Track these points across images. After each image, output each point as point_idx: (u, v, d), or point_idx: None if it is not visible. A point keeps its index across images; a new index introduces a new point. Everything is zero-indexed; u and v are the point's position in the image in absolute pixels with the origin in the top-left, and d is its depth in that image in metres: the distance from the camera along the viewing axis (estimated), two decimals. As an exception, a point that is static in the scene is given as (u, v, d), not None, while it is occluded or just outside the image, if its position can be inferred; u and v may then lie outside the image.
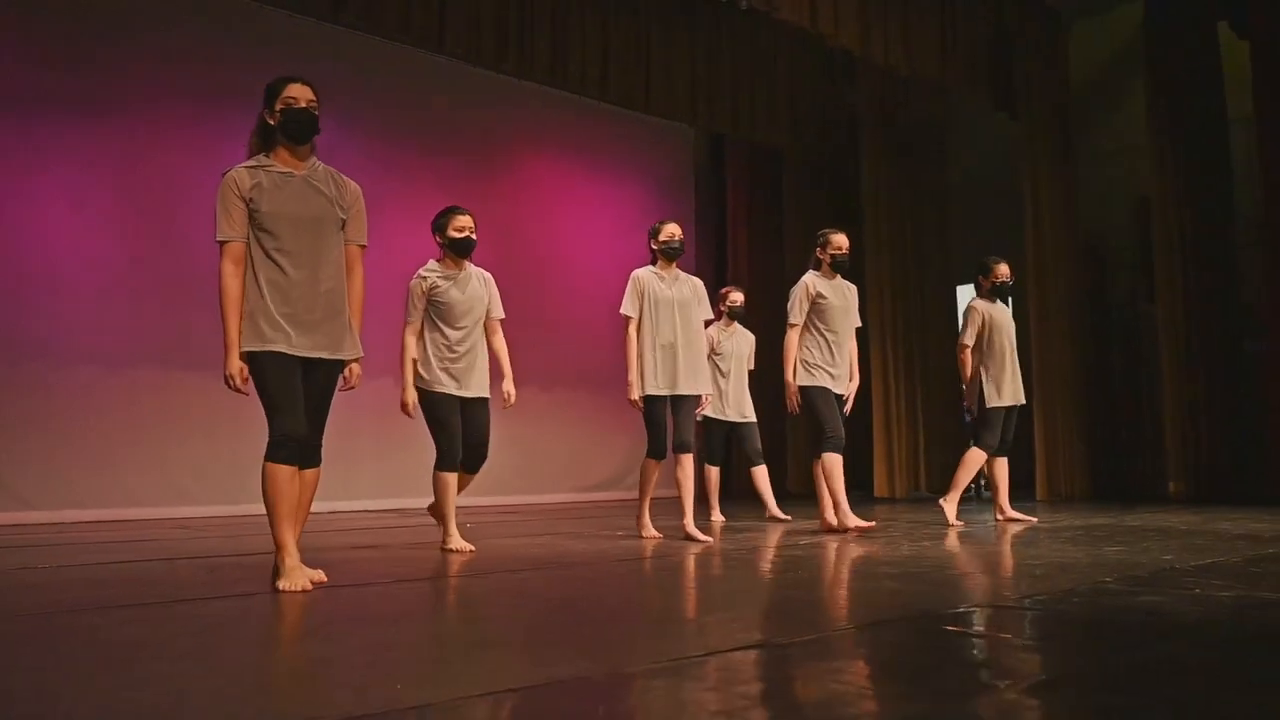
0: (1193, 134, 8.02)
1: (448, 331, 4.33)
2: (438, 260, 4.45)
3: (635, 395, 4.82)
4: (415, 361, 4.37)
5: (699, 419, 6.10)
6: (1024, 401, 5.91)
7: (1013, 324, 5.92)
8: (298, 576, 2.94)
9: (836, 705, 1.58)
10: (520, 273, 8.75)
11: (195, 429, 7.01)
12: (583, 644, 2.16)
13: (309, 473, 3.11)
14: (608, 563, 3.87)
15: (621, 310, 4.88)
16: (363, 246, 3.24)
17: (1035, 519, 5.79)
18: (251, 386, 3.04)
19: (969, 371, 5.81)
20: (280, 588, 2.90)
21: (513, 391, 4.56)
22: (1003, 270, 5.87)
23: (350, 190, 3.20)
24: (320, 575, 3.07)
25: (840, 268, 5.17)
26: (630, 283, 4.92)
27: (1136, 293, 8.96)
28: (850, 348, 5.20)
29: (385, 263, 7.96)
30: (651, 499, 5.04)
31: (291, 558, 2.97)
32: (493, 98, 8.64)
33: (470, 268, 4.46)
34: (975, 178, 10.09)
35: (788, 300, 5.25)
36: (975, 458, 5.72)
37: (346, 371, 3.19)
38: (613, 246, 9.46)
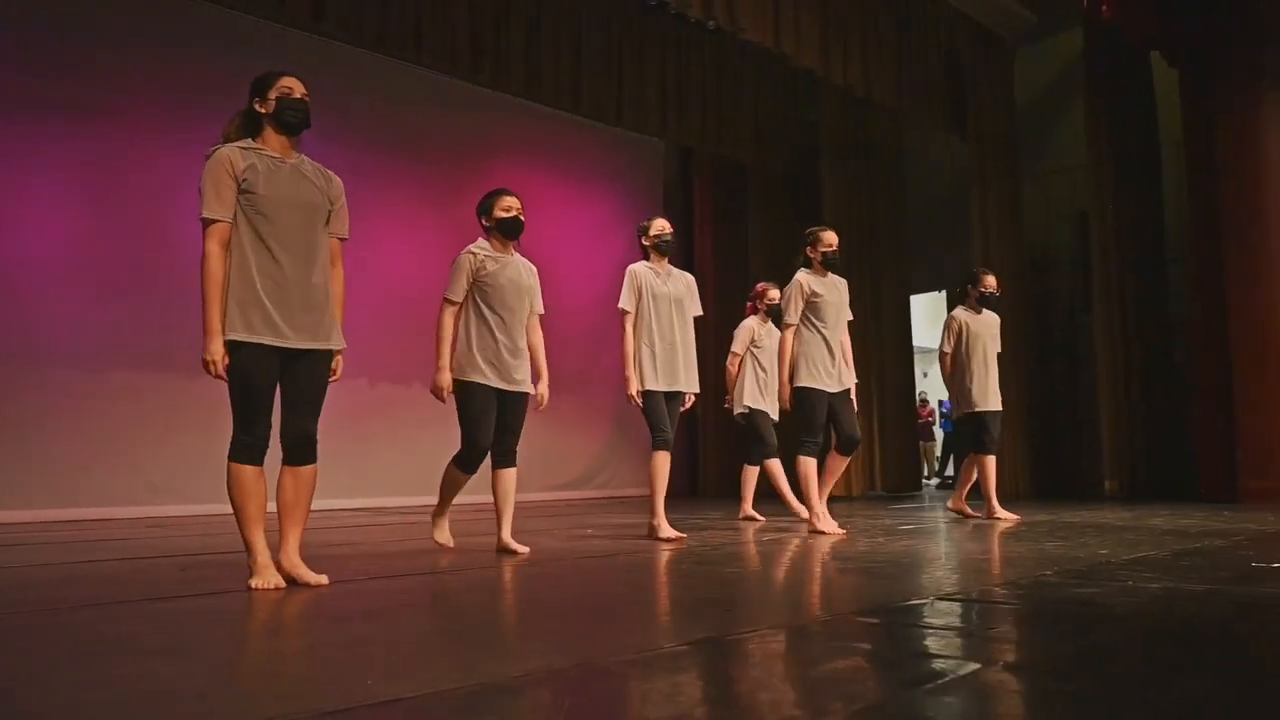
0: (1127, 155, 8.18)
1: (491, 317, 3.92)
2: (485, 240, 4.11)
3: (633, 390, 4.58)
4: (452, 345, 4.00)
5: (741, 415, 6.08)
6: (999, 408, 5.91)
7: (996, 331, 5.99)
8: (270, 575, 2.84)
9: (792, 697, 1.59)
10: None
11: (168, 427, 6.83)
12: (553, 638, 2.16)
13: (306, 469, 2.99)
14: (578, 559, 3.86)
15: (620, 305, 4.64)
16: (344, 240, 3.13)
17: (1019, 516, 5.71)
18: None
19: (949, 378, 5.90)
20: (252, 585, 2.80)
21: (546, 393, 4.23)
22: (990, 281, 5.95)
23: (336, 183, 3.10)
24: (323, 579, 2.92)
25: (831, 264, 5.03)
26: (627, 277, 4.68)
27: (1076, 303, 9.09)
28: (845, 342, 5.05)
29: (361, 269, 7.93)
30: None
31: (262, 556, 2.86)
32: (468, 108, 8.60)
33: (516, 255, 4.11)
34: (928, 193, 10.20)
35: (780, 302, 5.20)
36: (986, 464, 5.82)
37: (333, 364, 3.05)
38: (583, 254, 9.46)
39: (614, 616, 2.50)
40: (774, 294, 6.12)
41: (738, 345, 6.11)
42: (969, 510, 5.85)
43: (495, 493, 4.14)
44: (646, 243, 4.79)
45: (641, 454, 10.05)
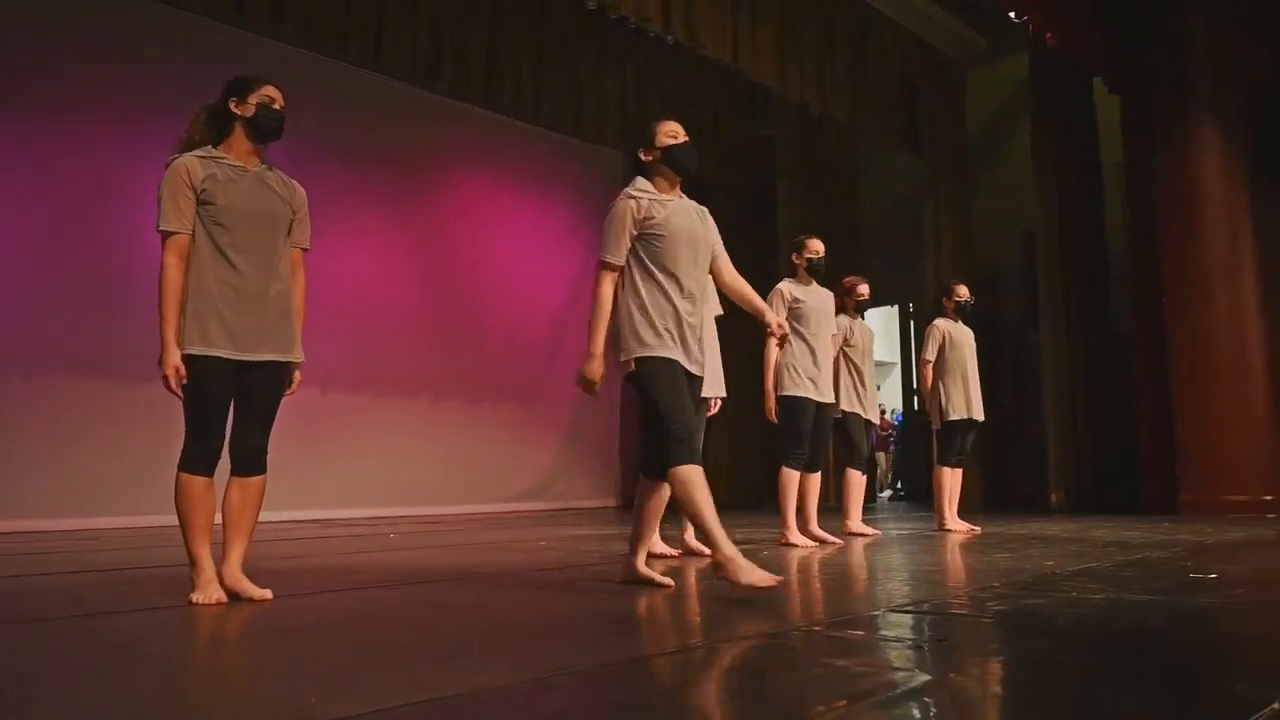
0: (1071, 176, 8.39)
1: (665, 281, 3.06)
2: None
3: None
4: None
5: (836, 418, 5.42)
6: (980, 418, 5.86)
7: (973, 343, 6.02)
8: (213, 589, 2.75)
9: (741, 711, 1.58)
10: (449, 287, 8.65)
11: (102, 436, 6.55)
12: (503, 653, 2.12)
13: (255, 480, 2.91)
14: (530, 573, 3.81)
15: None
16: (305, 250, 3.07)
17: (979, 529, 5.67)
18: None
19: (929, 386, 5.91)
20: (194, 600, 2.71)
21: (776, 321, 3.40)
22: (962, 291, 5.98)
23: (299, 193, 3.04)
24: (266, 593, 2.84)
25: (816, 271, 4.97)
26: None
27: (1024, 318, 9.26)
28: (829, 352, 4.97)
29: (313, 277, 7.79)
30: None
31: (208, 570, 2.77)
32: (427, 116, 8.52)
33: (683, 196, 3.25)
34: (882, 209, 10.33)
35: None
36: (943, 476, 5.80)
37: (291, 376, 2.97)
38: (540, 265, 9.42)
39: (566, 631, 2.47)
40: (864, 288, 5.59)
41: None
42: (964, 524, 5.68)
43: (655, 505, 3.28)
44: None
45: (596, 466, 10.08)
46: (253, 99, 2.91)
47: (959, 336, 5.89)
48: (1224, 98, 7.45)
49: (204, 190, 2.79)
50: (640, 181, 3.16)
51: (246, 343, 2.80)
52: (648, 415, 3.04)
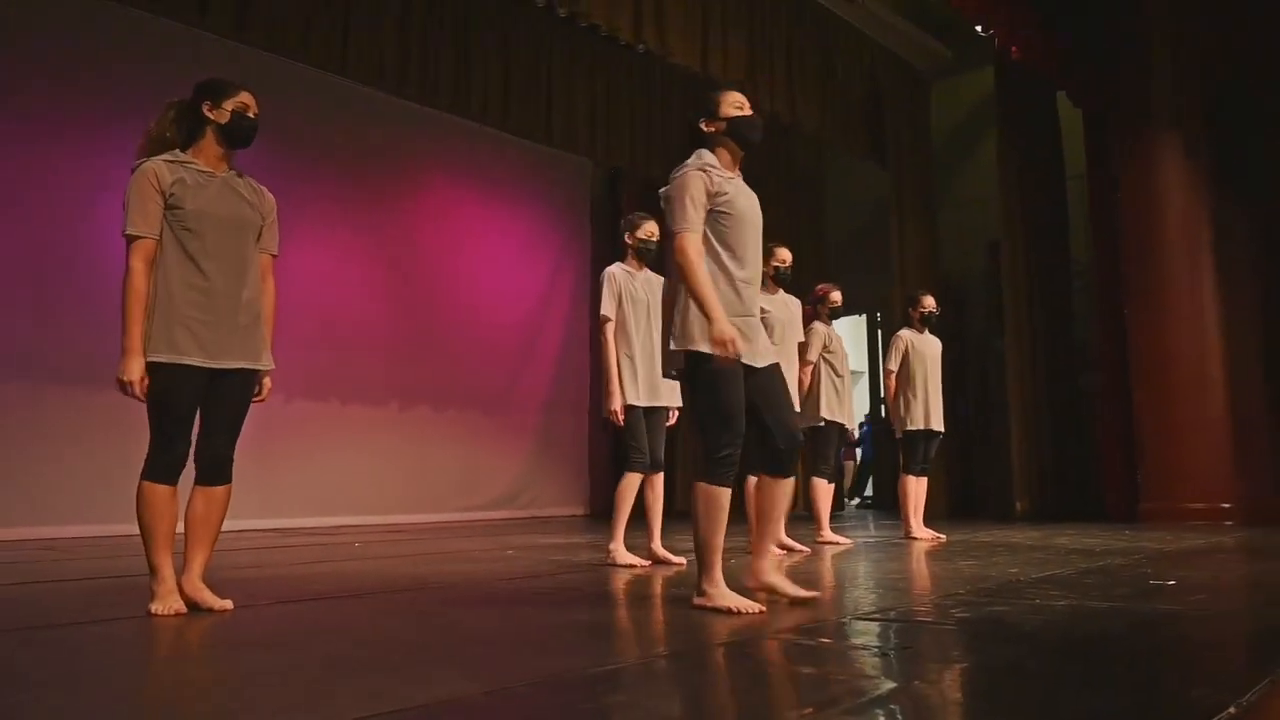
0: (1035, 188, 8.50)
1: (733, 264, 2.92)
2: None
3: (616, 405, 4.15)
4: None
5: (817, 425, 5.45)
6: (938, 428, 5.88)
7: (939, 353, 6.06)
8: (172, 600, 2.69)
9: (707, 717, 1.57)
10: (416, 293, 8.58)
11: (62, 444, 6.39)
12: (465, 664, 2.10)
13: (219, 490, 2.87)
14: (495, 582, 3.79)
15: (601, 312, 4.24)
16: (274, 256, 3.04)
17: (944, 536, 5.71)
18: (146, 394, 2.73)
19: (892, 396, 5.95)
20: (153, 611, 2.65)
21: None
22: (928, 301, 6.03)
23: (268, 199, 3.00)
24: (227, 603, 2.80)
25: (783, 280, 4.96)
26: (605, 280, 4.29)
27: (989, 329, 9.36)
28: (795, 363, 4.94)
29: (278, 284, 7.72)
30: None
31: (168, 580, 2.72)
32: (394, 121, 8.46)
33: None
34: (849, 219, 10.41)
35: None
36: (907, 485, 5.82)
37: (260, 384, 2.94)
38: (508, 272, 9.38)
39: (530, 641, 2.46)
40: (836, 295, 5.67)
41: (811, 353, 5.42)
42: (930, 532, 5.71)
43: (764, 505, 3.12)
44: (630, 243, 4.36)
45: (564, 474, 10.04)
46: (228, 104, 2.87)
47: (923, 347, 5.94)
48: (1185, 112, 7.59)
49: (172, 195, 2.74)
50: (705, 154, 2.93)
51: (215, 350, 2.76)
52: (703, 417, 2.80)
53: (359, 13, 7.16)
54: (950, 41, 9.22)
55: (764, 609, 2.66)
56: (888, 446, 9.83)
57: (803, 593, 2.87)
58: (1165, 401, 7.41)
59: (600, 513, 9.73)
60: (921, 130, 9.34)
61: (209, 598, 2.80)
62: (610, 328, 4.22)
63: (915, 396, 5.85)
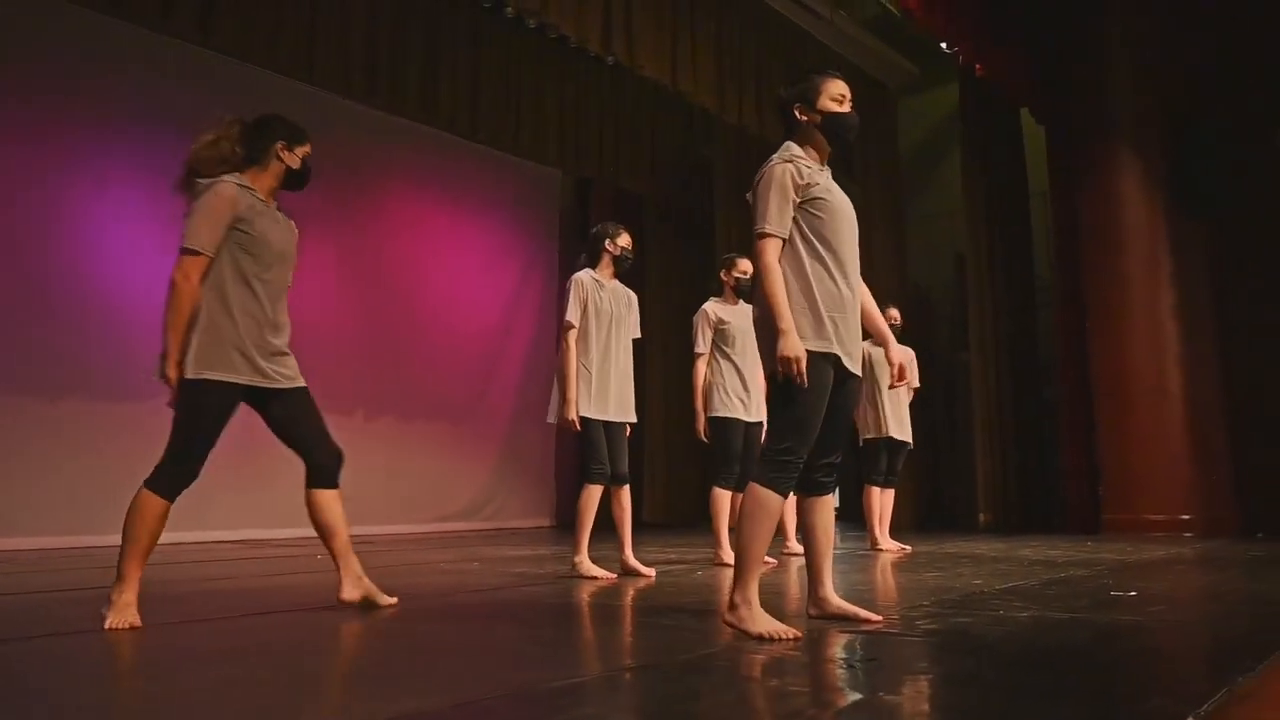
0: (1000, 203, 8.64)
1: (831, 260, 2.75)
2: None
3: (572, 414, 4.10)
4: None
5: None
6: (899, 437, 5.88)
7: (886, 366, 6.06)
8: (129, 613, 2.66)
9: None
10: (383, 303, 8.52)
11: (23, 456, 6.21)
12: (431, 677, 2.09)
13: (334, 493, 3.17)
14: (461, 594, 3.76)
15: (566, 318, 4.18)
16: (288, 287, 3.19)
17: (909, 548, 5.74)
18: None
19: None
20: (107, 625, 2.61)
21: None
22: (892, 314, 5.94)
23: (295, 233, 3.19)
24: (391, 600, 3.12)
25: (743, 292, 4.91)
26: (573, 286, 4.22)
27: (955, 342, 9.48)
28: (759, 373, 4.85)
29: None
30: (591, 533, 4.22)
31: (128, 594, 2.69)
32: (361, 130, 8.41)
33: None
34: (815, 232, 10.49)
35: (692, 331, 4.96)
36: (871, 496, 5.84)
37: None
38: (476, 281, 9.35)
39: (496, 653, 2.45)
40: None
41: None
42: (895, 544, 5.73)
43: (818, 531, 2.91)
44: (612, 250, 4.31)
45: (530, 485, 10.00)
46: (299, 151, 3.10)
47: (879, 356, 5.93)
48: (1145, 131, 7.76)
49: (243, 220, 2.87)
50: (793, 147, 2.75)
51: (270, 370, 2.91)
52: (777, 414, 2.61)
53: (326, 21, 7.12)
54: (917, 58, 9.35)
55: (800, 635, 2.44)
56: (850, 457, 9.92)
57: (872, 616, 2.69)
58: (1125, 415, 7.54)
59: (566, 524, 9.68)
60: (889, 145, 9.46)
61: (377, 594, 3.11)
62: (572, 335, 4.16)
63: (869, 406, 5.91)
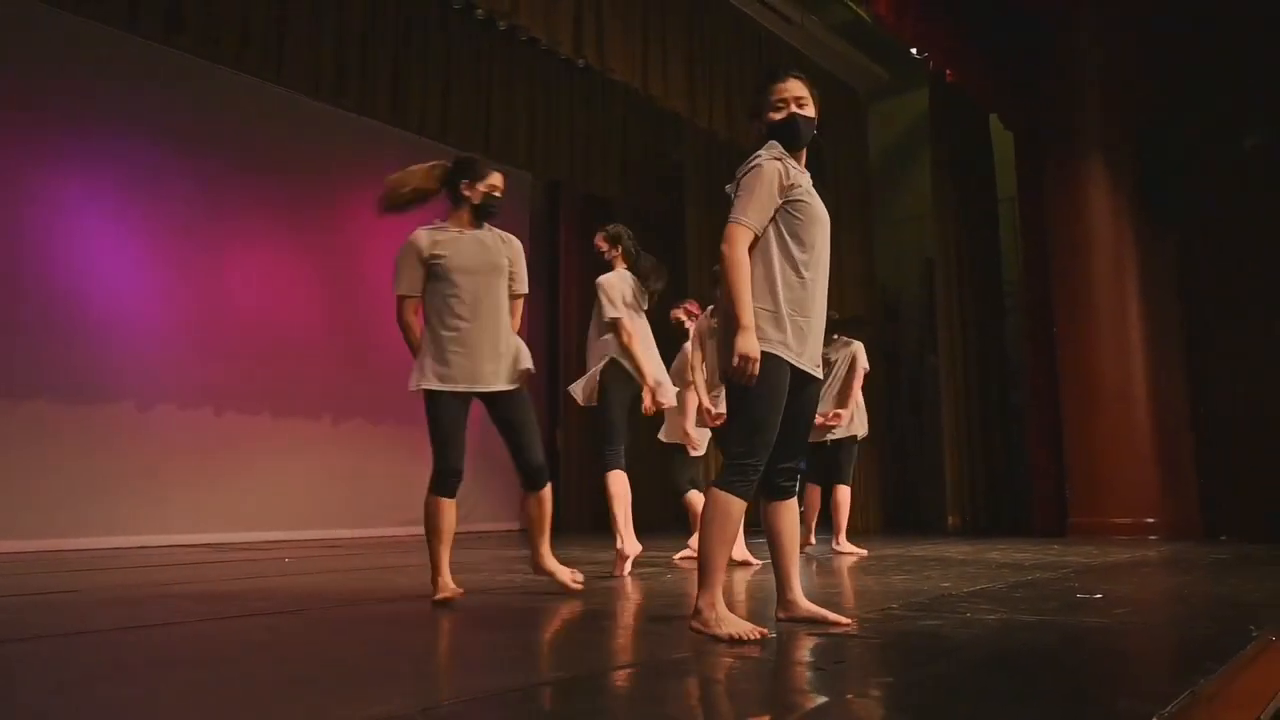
0: (969, 207, 8.73)
1: (804, 262, 2.77)
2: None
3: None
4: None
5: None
6: (841, 436, 5.82)
7: (844, 362, 6.07)
8: (446, 589, 3.35)
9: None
10: (351, 305, 8.45)
11: (11, 459, 6.19)
12: (400, 681, 2.07)
13: (543, 492, 3.59)
14: (431, 598, 3.73)
15: (608, 315, 4.32)
16: (524, 294, 3.60)
17: (814, 541, 5.85)
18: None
19: None
20: (435, 599, 3.33)
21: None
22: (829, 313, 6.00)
23: (513, 245, 3.58)
24: (577, 576, 3.62)
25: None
26: (606, 287, 4.38)
27: (924, 345, 9.56)
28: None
29: (212, 293, 7.55)
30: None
31: (443, 577, 3.38)
32: (331, 131, 8.35)
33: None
34: (786, 236, 10.55)
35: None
36: (807, 492, 5.85)
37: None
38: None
39: (464, 657, 2.43)
40: (678, 314, 5.68)
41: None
42: (812, 543, 5.82)
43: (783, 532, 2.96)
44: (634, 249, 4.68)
45: (500, 488, 9.94)
46: (481, 187, 3.51)
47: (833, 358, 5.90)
48: (1112, 138, 7.87)
49: (433, 256, 3.41)
50: (777, 146, 2.73)
51: (474, 377, 3.39)
52: (737, 422, 2.58)
53: (295, 23, 7.07)
54: (887, 63, 9.44)
55: (766, 632, 2.46)
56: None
57: (841, 619, 2.68)
58: (1091, 419, 7.64)
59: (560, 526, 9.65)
60: (859, 149, 9.54)
61: (559, 569, 3.65)
62: (626, 326, 4.36)
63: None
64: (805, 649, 2.42)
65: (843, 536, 5.83)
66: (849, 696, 1.85)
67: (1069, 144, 7.99)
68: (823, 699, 1.82)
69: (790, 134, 2.74)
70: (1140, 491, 7.44)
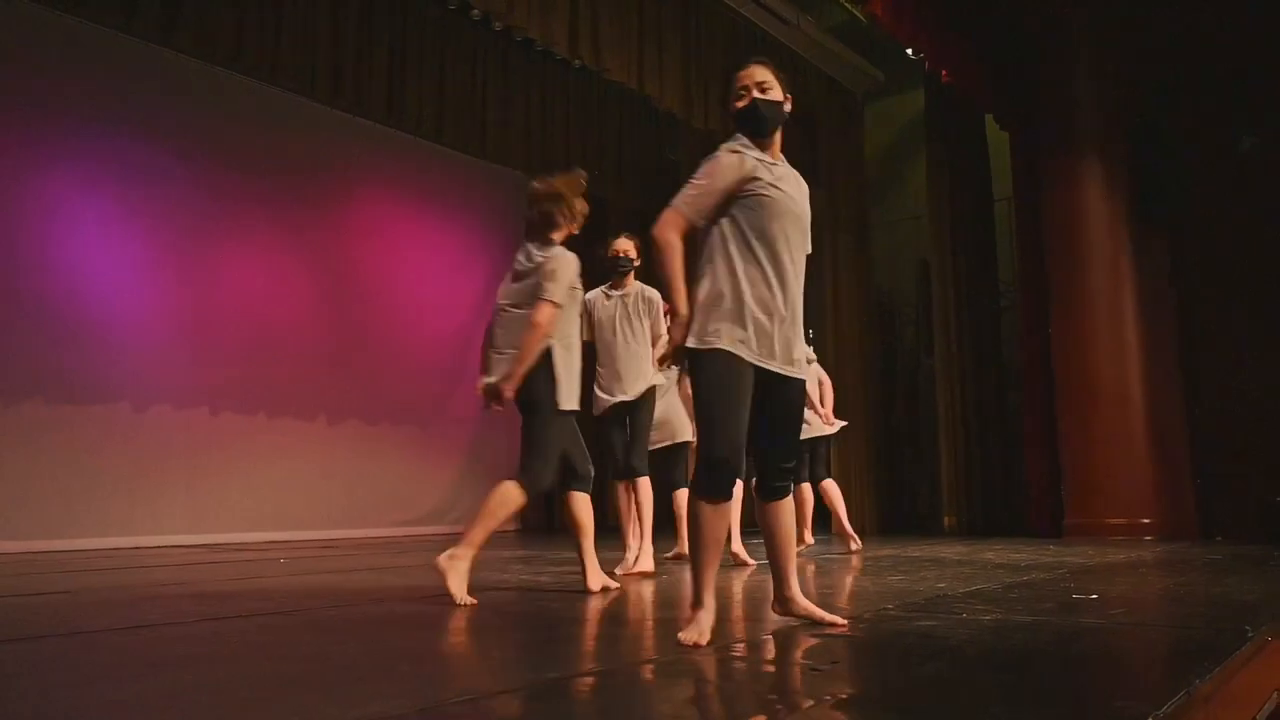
0: (964, 208, 8.74)
1: (765, 258, 2.76)
2: None
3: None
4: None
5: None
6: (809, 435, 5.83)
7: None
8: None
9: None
10: (347, 306, 8.45)
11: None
12: (396, 681, 2.07)
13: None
14: (426, 598, 3.73)
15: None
16: (539, 299, 3.47)
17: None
18: None
19: None
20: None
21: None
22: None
23: (537, 262, 3.56)
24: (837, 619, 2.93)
25: (625, 271, 4.73)
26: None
27: (919, 346, 9.57)
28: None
29: (209, 293, 7.53)
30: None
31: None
32: (326, 132, 8.34)
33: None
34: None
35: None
36: (827, 490, 5.90)
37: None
38: (441, 285, 9.29)
39: (462, 657, 2.43)
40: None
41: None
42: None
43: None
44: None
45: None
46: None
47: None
48: (1107, 137, 7.89)
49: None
50: (740, 137, 2.68)
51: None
52: (698, 423, 2.56)
53: (290, 23, 7.06)
54: (883, 64, 9.45)
55: (702, 643, 2.37)
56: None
57: (837, 620, 2.67)
58: (1087, 420, 7.65)
59: (531, 529, 9.67)
60: (855, 150, 9.54)
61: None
62: None
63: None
64: (801, 649, 2.42)
65: (845, 523, 5.95)
66: (844, 697, 1.85)
67: (1065, 145, 8.00)
68: (819, 699, 1.82)
69: (751, 120, 2.67)
70: (1136, 492, 7.45)
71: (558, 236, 3.59)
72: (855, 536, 5.94)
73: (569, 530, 3.78)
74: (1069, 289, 7.87)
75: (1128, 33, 8.03)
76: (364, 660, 2.38)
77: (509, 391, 3.53)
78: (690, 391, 2.67)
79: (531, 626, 3.03)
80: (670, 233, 2.54)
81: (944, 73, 7.93)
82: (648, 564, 4.52)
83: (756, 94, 2.67)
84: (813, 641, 2.49)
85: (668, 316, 2.77)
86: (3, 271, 6.28)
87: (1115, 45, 8.00)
